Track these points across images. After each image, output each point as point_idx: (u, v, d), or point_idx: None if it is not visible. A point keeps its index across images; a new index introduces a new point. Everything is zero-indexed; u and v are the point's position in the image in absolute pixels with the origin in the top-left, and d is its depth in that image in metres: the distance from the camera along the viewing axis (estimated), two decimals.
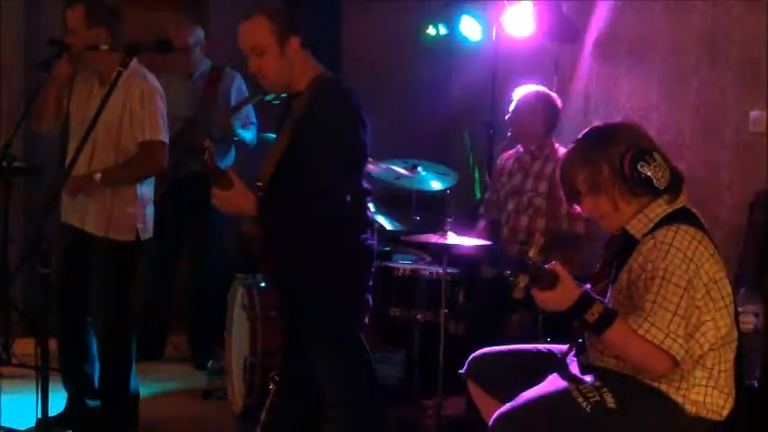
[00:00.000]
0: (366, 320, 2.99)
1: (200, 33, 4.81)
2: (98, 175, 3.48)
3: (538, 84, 4.16)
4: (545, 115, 4.04)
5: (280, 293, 3.17)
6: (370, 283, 2.97)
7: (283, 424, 3.16)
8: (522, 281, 2.22)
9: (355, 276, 2.92)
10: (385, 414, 3.10)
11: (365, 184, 2.96)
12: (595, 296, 2.31)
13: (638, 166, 2.32)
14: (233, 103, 4.72)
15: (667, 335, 2.22)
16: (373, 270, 2.99)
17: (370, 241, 2.93)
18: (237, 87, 4.78)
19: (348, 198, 2.80)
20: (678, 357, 2.24)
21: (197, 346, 4.88)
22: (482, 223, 4.29)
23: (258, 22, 2.81)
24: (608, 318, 2.25)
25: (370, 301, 3.00)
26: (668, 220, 2.34)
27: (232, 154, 4.83)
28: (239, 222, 2.90)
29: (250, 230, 2.86)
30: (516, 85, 4.18)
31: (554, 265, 2.25)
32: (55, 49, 3.47)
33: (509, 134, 4.23)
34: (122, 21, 3.55)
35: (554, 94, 4.13)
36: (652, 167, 2.33)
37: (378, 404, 3.02)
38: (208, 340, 4.76)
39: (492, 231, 4.20)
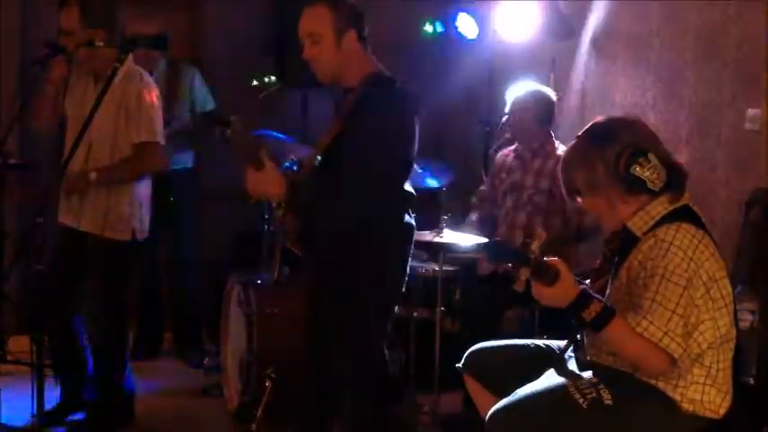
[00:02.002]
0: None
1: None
2: (93, 174, 3.47)
3: (534, 81, 4.16)
4: (539, 111, 4.03)
5: (311, 289, 3.10)
6: (402, 288, 2.92)
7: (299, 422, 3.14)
8: (524, 273, 2.21)
9: (389, 281, 2.86)
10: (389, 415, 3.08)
11: (409, 189, 2.89)
12: (594, 294, 2.30)
13: (632, 169, 2.31)
14: (196, 98, 4.73)
15: (665, 333, 2.22)
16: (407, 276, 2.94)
17: (408, 252, 2.88)
18: (197, 83, 4.78)
19: (384, 206, 2.75)
20: (676, 356, 2.24)
21: (184, 345, 4.88)
22: (474, 216, 4.28)
23: (319, 10, 2.79)
24: (606, 316, 2.24)
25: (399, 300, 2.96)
26: (670, 218, 2.33)
27: (190, 153, 4.83)
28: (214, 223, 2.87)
29: (288, 225, 2.83)
30: (513, 83, 4.17)
31: (556, 260, 2.25)
32: (50, 50, 3.46)
33: (507, 135, 4.22)
34: (119, 21, 3.54)
35: (547, 89, 4.12)
36: (647, 169, 2.32)
37: (386, 406, 2.98)
38: (194, 339, 4.81)
39: (483, 225, 4.19)
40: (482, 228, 4.15)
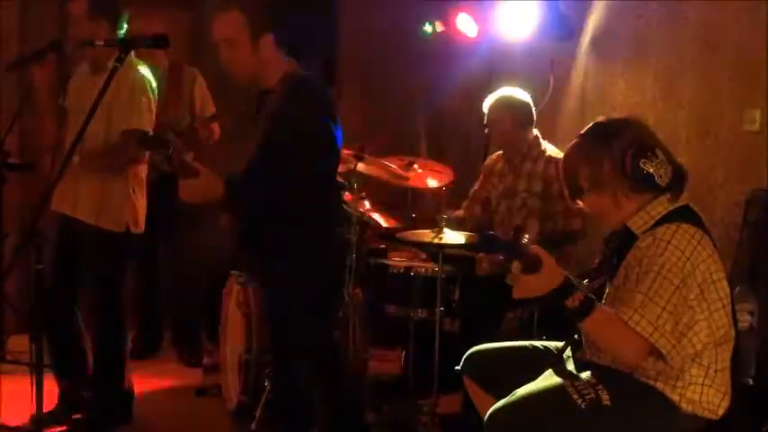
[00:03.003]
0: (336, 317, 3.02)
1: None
2: (76, 158, 3.47)
3: (533, 82, 4.16)
4: (515, 117, 4.01)
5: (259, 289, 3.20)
6: (346, 278, 3.00)
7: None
8: (516, 266, 2.21)
9: (327, 270, 2.96)
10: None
11: (339, 179, 3.04)
12: (577, 283, 2.28)
13: (640, 163, 2.32)
14: (196, 101, 4.74)
15: (656, 329, 2.23)
16: (349, 264, 3.02)
17: (345, 235, 2.96)
18: (200, 86, 4.79)
19: (317, 191, 2.84)
20: (664, 352, 2.24)
21: (182, 345, 4.88)
22: (459, 212, 4.27)
23: (232, 16, 2.87)
24: (588, 305, 2.23)
25: (344, 296, 3.02)
26: (669, 217, 2.34)
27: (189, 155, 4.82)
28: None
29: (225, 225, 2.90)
30: (513, 83, 4.17)
31: (536, 248, 2.22)
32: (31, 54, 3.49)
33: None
34: (124, 14, 3.56)
35: (518, 91, 4.06)
36: (654, 164, 2.33)
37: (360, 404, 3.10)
38: (192, 338, 4.82)
39: (462, 224, 4.16)
40: (461, 226, 4.11)
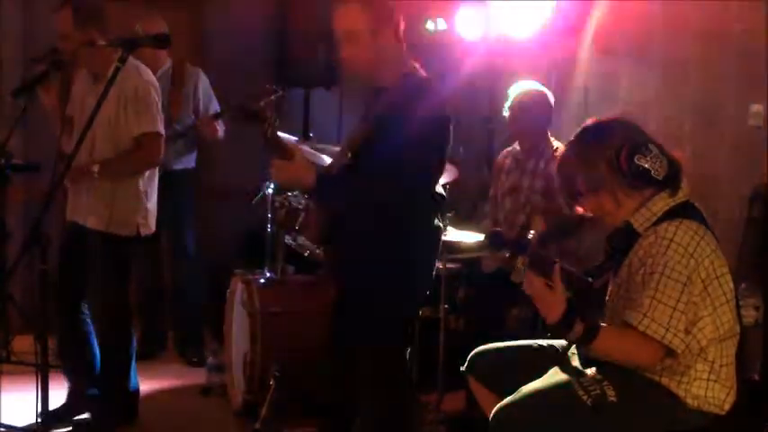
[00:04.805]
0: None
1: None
2: (96, 167, 3.48)
3: (536, 80, 4.16)
4: (539, 113, 4.04)
5: (335, 284, 3.07)
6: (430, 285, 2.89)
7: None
8: (521, 262, 2.21)
9: (415, 283, 2.83)
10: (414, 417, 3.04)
11: (440, 191, 2.87)
12: (577, 309, 2.28)
13: (635, 159, 2.33)
14: (200, 100, 4.74)
15: (668, 330, 2.23)
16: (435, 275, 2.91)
17: (435, 255, 2.85)
18: (202, 85, 4.78)
19: (418, 200, 2.73)
20: (678, 351, 2.25)
21: (187, 344, 4.88)
22: (485, 222, 4.28)
23: (351, 9, 2.73)
24: (590, 334, 2.25)
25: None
26: (671, 214, 2.34)
27: (192, 154, 4.83)
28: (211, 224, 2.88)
29: (306, 220, 2.81)
30: (515, 81, 4.17)
31: (554, 258, 2.25)
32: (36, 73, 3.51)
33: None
34: (107, 18, 3.55)
35: (548, 91, 4.12)
36: (649, 159, 2.34)
37: (403, 406, 2.92)
38: (197, 338, 4.83)
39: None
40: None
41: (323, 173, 2.71)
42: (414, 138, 2.63)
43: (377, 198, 2.67)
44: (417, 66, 2.84)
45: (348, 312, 2.89)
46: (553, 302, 2.25)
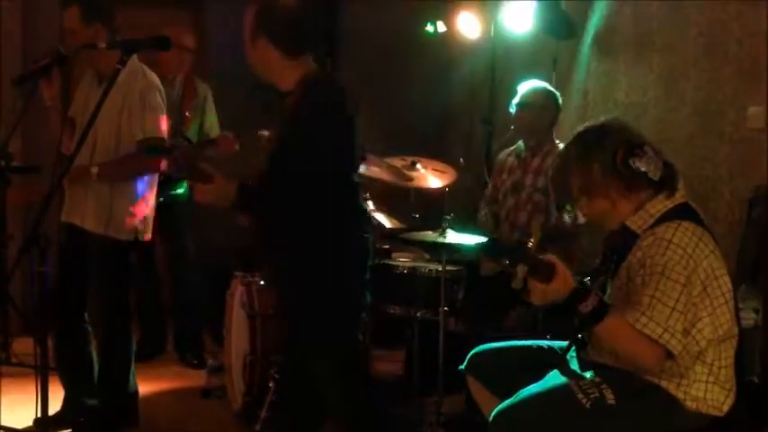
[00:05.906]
0: (363, 318, 2.96)
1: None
2: (95, 169, 3.48)
3: (537, 80, 4.17)
4: (547, 112, 4.07)
5: (276, 290, 3.14)
6: (367, 278, 2.94)
7: (285, 423, 3.14)
8: (522, 271, 2.21)
9: (348, 270, 2.87)
10: (383, 413, 3.08)
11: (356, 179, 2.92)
12: (590, 289, 2.29)
13: (631, 162, 2.33)
14: (206, 118, 4.72)
15: (665, 329, 2.23)
16: (369, 265, 2.96)
17: (364, 235, 2.90)
18: (209, 102, 4.77)
19: (334, 191, 2.77)
20: (675, 352, 2.25)
21: (186, 346, 4.88)
22: (482, 213, 4.29)
23: (248, 14, 2.77)
24: (602, 310, 2.24)
25: (368, 297, 2.97)
26: (669, 215, 2.34)
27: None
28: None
29: (243, 223, 2.86)
30: (515, 82, 4.18)
31: (551, 257, 2.24)
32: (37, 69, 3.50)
33: (512, 128, 4.24)
34: (115, 17, 3.55)
35: (556, 91, 4.16)
36: (644, 160, 2.35)
37: (374, 404, 2.97)
38: (196, 340, 4.83)
39: (490, 222, 4.20)
40: (484, 226, 4.16)
41: (244, 185, 2.74)
42: (305, 135, 2.69)
43: (284, 199, 2.73)
44: (312, 65, 2.84)
45: (291, 316, 2.96)
46: (563, 282, 2.22)
